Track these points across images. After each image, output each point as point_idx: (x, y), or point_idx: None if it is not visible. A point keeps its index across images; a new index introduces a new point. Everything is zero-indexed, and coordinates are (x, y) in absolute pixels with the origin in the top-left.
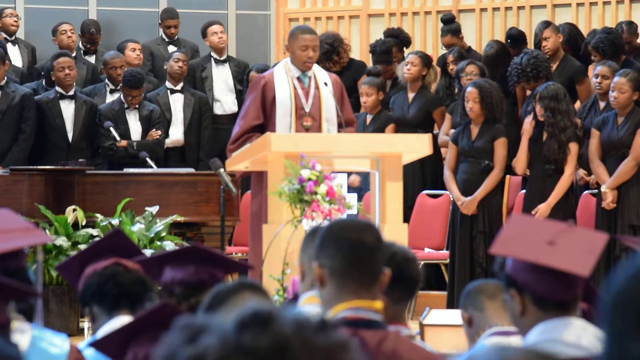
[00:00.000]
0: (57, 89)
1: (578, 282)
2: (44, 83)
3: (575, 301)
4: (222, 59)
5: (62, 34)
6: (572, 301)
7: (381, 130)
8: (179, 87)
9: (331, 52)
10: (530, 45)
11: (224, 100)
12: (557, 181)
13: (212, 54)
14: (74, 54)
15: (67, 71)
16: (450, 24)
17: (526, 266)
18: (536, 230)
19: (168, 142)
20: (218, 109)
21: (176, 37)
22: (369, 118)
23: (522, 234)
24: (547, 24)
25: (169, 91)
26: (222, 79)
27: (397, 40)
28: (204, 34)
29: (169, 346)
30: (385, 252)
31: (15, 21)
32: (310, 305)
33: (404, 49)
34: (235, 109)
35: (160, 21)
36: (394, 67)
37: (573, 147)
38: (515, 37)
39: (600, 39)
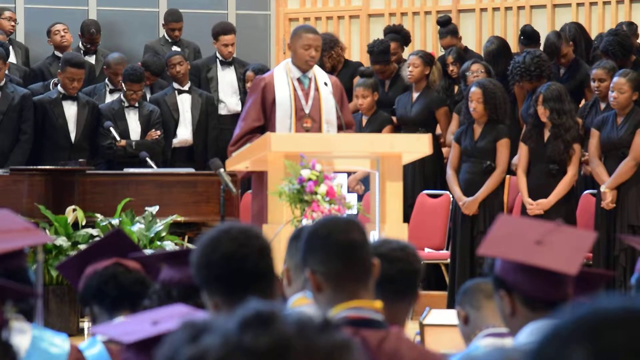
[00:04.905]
0: (60, 89)
1: (567, 281)
2: (51, 86)
3: (565, 300)
4: (228, 61)
5: (55, 34)
6: (562, 301)
7: (378, 131)
8: (186, 88)
9: (326, 51)
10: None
11: (228, 102)
12: (560, 181)
13: (218, 56)
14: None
15: (75, 84)
16: (447, 26)
17: (515, 266)
18: (524, 230)
19: (175, 142)
20: (222, 110)
21: (179, 39)
22: (364, 119)
23: (510, 234)
24: (559, 35)
25: (176, 92)
26: (227, 81)
27: (398, 36)
28: (216, 38)
29: (171, 345)
30: (384, 248)
31: (13, 25)
32: (302, 307)
33: (404, 47)
34: (238, 109)
35: (164, 23)
36: (392, 67)
37: (577, 148)
38: (529, 35)
39: (609, 41)
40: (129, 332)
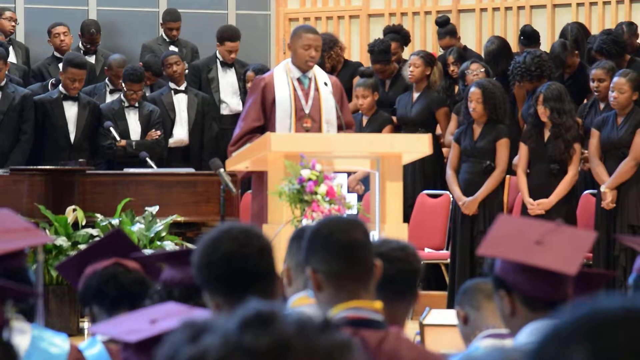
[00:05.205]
0: (61, 89)
1: (567, 281)
2: (49, 87)
3: (565, 300)
4: (229, 63)
5: (56, 37)
6: (562, 301)
7: (378, 131)
8: (182, 87)
9: (325, 51)
10: (548, 46)
11: (230, 102)
12: (561, 180)
13: (219, 56)
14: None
15: (76, 84)
16: (446, 26)
17: (514, 266)
18: (524, 230)
19: (172, 142)
20: (224, 110)
21: (176, 39)
22: (365, 119)
23: (509, 234)
24: (564, 46)
25: (172, 91)
26: (227, 82)
27: (398, 36)
28: (221, 42)
29: (171, 345)
30: (384, 247)
31: (13, 26)
32: (303, 307)
33: (404, 47)
34: (240, 109)
35: (162, 22)
36: (392, 66)
37: (578, 147)
38: (529, 35)
39: (602, 40)
40: (129, 331)
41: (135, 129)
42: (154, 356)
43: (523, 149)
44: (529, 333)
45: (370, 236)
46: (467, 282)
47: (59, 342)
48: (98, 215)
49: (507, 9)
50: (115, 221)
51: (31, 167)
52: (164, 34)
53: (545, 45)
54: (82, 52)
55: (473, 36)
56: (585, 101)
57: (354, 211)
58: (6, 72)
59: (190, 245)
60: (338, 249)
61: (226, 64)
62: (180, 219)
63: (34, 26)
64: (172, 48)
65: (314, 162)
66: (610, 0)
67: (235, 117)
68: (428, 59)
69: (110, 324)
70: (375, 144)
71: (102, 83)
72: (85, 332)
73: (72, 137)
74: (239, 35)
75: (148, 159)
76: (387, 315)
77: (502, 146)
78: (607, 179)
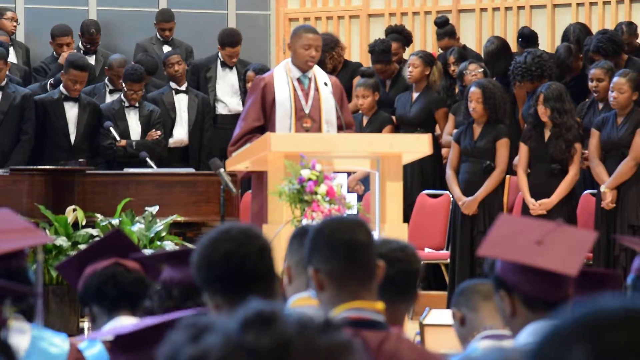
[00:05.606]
0: (62, 89)
1: (567, 281)
2: (48, 87)
3: (565, 301)
4: (230, 65)
5: (59, 47)
6: (562, 301)
7: (378, 131)
8: (183, 88)
9: (327, 52)
10: (548, 46)
11: (229, 102)
12: (562, 180)
13: (220, 57)
14: None
15: (77, 86)
16: (445, 27)
17: (515, 267)
18: (524, 230)
19: (171, 142)
20: (222, 109)
21: (170, 39)
22: (365, 119)
23: (510, 234)
24: (570, 51)
25: (173, 91)
26: (227, 82)
27: (399, 36)
28: (222, 46)
29: (172, 344)
30: (384, 248)
31: (15, 26)
32: (304, 307)
33: (406, 47)
34: (240, 109)
35: (155, 22)
36: (393, 66)
37: (578, 147)
38: (527, 37)
39: (599, 39)
40: (116, 331)
41: (135, 129)
42: (142, 356)
43: (523, 149)
44: (530, 333)
45: (372, 236)
46: (463, 283)
47: (59, 342)
48: (98, 215)
49: (507, 9)
50: (115, 221)
51: (31, 167)
52: (157, 34)
53: (544, 46)
54: (82, 52)
55: (473, 36)
56: (586, 100)
57: (354, 211)
58: (7, 72)
59: (190, 245)
60: (340, 249)
61: (228, 65)
62: (180, 219)
63: (34, 26)
64: (166, 47)
65: (314, 162)
66: (610, 1)
67: (234, 117)
68: (427, 59)
69: (100, 332)
70: (375, 144)
71: (102, 83)
72: (85, 332)
73: (72, 138)
74: (240, 40)
75: (148, 159)
76: (387, 315)
77: (502, 146)
78: (607, 179)
